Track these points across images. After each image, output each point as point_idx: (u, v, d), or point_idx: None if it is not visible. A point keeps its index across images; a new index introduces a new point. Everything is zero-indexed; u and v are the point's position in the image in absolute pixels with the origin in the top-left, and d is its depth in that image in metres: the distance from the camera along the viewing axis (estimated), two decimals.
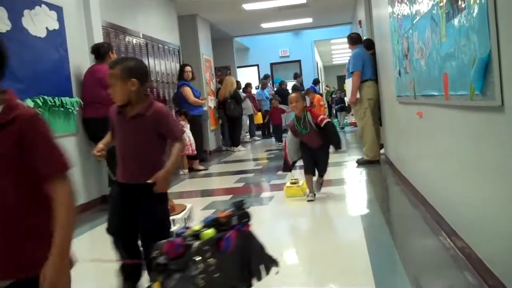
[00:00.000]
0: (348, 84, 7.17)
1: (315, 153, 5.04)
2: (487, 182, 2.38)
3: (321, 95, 15.34)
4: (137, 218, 2.78)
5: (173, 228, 3.06)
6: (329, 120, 5.06)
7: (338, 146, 5.07)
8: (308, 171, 5.08)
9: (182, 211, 3.97)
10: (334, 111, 16.81)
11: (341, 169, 7.39)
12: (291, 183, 5.38)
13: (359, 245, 3.38)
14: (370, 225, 3.97)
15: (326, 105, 16.35)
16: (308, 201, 4.97)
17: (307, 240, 3.85)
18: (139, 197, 2.75)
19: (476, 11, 2.18)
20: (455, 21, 2.52)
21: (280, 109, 12.00)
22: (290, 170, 5.31)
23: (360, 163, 7.11)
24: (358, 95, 6.96)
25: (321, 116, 4.99)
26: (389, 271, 2.92)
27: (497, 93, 2.03)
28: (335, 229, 4.07)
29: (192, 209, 4.23)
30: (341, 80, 25.04)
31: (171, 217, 3.11)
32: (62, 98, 5.19)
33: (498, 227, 2.28)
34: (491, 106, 2.12)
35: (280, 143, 11.34)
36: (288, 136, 5.19)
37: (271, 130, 14.24)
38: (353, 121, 15.07)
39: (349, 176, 6.64)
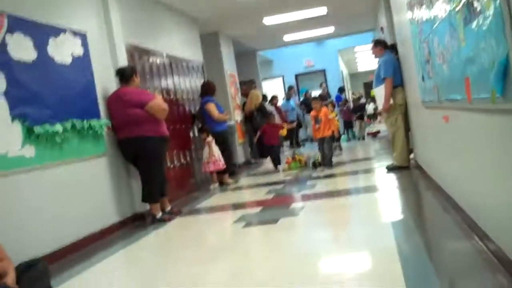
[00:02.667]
0: (378, 91, 7.14)
1: None
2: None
3: (333, 105, 12.46)
4: None
5: None
6: None
7: None
8: None
9: None
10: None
11: (371, 175, 7.38)
12: None
13: (391, 251, 3.37)
14: (401, 231, 3.95)
15: (338, 117, 12.54)
16: None
17: (339, 248, 3.86)
18: None
19: (491, 14, 2.19)
20: (473, 25, 2.52)
21: (277, 125, 9.96)
22: None
23: (390, 169, 7.09)
24: (391, 102, 6.95)
25: None
26: (421, 277, 2.91)
27: None
28: (367, 237, 4.05)
29: None
30: (367, 87, 24.94)
31: None
32: (91, 121, 5.31)
33: None
34: None
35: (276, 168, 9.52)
36: None
37: (292, 142, 13.40)
38: (372, 131, 14.88)
39: (380, 182, 6.61)
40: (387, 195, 5.62)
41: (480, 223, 3.26)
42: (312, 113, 8.70)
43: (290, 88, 15.86)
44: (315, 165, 8.69)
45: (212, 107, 8.36)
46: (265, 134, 9.65)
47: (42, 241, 4.41)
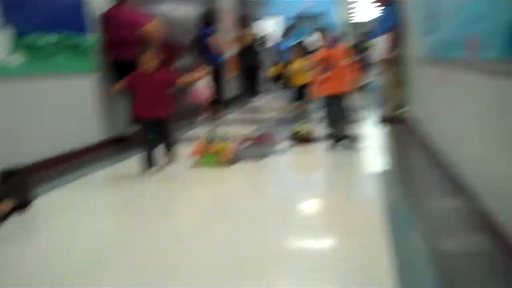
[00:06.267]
0: (380, 41, 7.07)
1: None
2: (510, 149, 2.36)
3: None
4: None
5: None
6: None
7: None
8: None
9: None
10: None
11: (362, 126, 7.36)
12: None
13: (375, 202, 3.37)
14: (387, 183, 3.93)
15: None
16: None
17: (321, 194, 3.85)
18: None
19: None
20: None
21: (165, 77, 4.44)
22: None
23: (383, 120, 7.07)
24: (393, 53, 6.89)
25: None
26: (403, 229, 2.90)
27: None
28: (351, 185, 4.04)
29: None
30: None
31: None
32: (81, 36, 5.17)
33: None
34: None
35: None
36: None
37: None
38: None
39: (371, 132, 6.56)
40: (376, 146, 5.57)
41: (468, 182, 3.26)
42: (318, 55, 5.22)
43: (292, 26, 15.34)
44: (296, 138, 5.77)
45: (217, 39, 8.11)
46: (135, 92, 4.41)
47: (22, 151, 4.39)
